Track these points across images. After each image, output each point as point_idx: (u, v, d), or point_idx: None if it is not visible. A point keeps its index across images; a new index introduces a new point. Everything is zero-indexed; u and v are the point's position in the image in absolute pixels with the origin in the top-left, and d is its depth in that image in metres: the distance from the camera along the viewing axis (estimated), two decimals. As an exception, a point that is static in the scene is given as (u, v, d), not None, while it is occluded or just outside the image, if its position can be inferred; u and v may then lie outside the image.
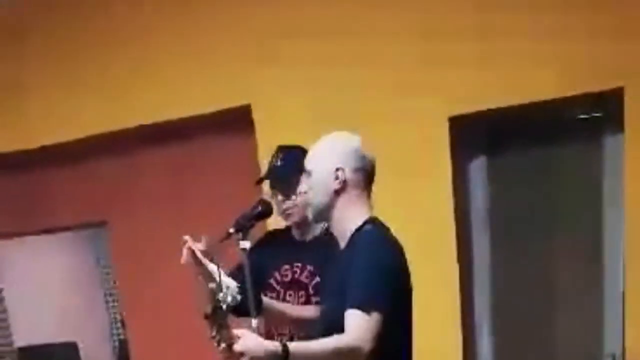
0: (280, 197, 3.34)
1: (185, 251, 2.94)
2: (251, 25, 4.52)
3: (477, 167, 4.31)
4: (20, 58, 5.19)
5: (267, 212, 3.00)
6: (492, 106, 3.94)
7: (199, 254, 2.90)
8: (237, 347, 2.24)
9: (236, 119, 4.60)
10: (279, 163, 3.38)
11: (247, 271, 2.76)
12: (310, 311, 3.14)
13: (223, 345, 2.24)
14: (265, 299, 3.24)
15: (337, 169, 2.65)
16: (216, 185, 4.88)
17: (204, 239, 2.94)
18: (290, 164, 3.30)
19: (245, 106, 4.53)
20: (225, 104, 4.61)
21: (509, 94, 3.89)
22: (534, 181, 4.27)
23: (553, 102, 3.83)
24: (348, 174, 2.65)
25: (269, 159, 3.47)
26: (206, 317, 2.22)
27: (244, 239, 2.82)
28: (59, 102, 5.11)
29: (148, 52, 4.83)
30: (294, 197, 3.27)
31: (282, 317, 3.27)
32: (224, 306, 2.23)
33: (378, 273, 2.49)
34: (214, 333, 2.22)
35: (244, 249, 2.81)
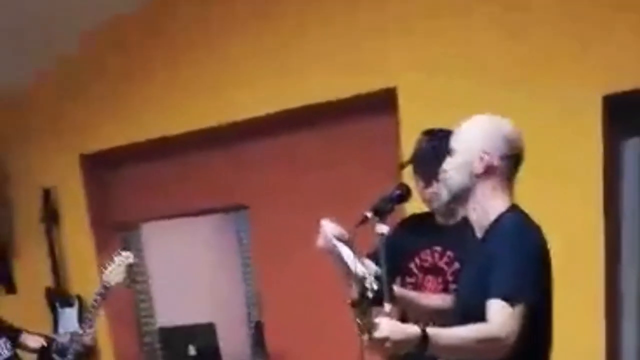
0: (421, 183, 3.34)
1: (321, 235, 2.96)
2: (395, 5, 4.51)
3: (632, 149, 4.17)
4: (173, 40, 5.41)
5: (406, 196, 2.98)
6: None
7: (333, 239, 2.91)
8: (378, 333, 2.23)
9: (380, 102, 4.61)
10: (423, 147, 3.36)
11: (382, 257, 2.76)
12: (443, 300, 3.11)
13: (366, 334, 2.24)
14: (397, 288, 3.18)
15: (484, 152, 2.61)
16: (358, 171, 4.90)
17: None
18: (433, 148, 3.26)
19: (390, 89, 4.53)
20: (370, 87, 4.62)
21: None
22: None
23: None
24: (495, 159, 2.61)
25: (415, 143, 3.45)
26: (353, 304, 2.22)
27: (381, 222, 2.81)
28: (208, 88, 5.27)
29: (295, 33, 4.89)
30: (435, 183, 3.21)
31: (415, 306, 3.21)
32: (370, 293, 2.24)
33: (525, 262, 2.45)
34: (359, 321, 2.22)
35: (381, 234, 2.80)
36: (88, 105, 5.80)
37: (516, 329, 2.36)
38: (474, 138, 2.66)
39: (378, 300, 2.71)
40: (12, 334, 4.75)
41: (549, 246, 2.58)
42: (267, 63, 5.01)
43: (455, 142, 2.71)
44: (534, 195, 3.83)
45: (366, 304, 2.23)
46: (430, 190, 3.29)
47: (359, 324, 2.23)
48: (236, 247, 6.44)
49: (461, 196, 2.69)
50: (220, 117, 5.23)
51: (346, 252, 2.88)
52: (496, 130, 2.65)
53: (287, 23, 4.91)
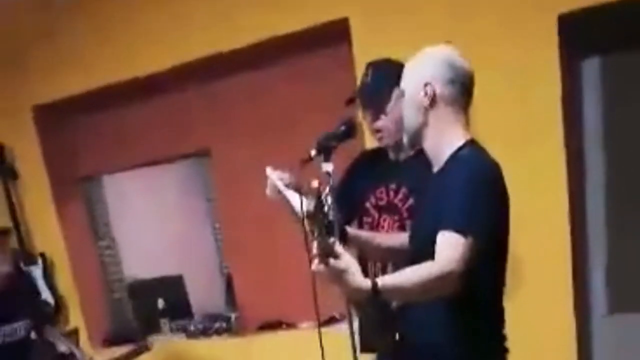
0: (369, 117, 3.32)
1: (268, 185, 2.98)
2: None
3: (590, 70, 4.13)
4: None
5: (350, 132, 2.93)
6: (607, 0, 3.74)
7: (280, 186, 2.93)
8: (335, 262, 2.20)
9: (334, 34, 4.56)
10: (368, 80, 3.33)
11: (330, 196, 2.68)
12: (398, 238, 3.10)
13: (321, 257, 2.20)
14: (351, 229, 3.18)
15: (426, 84, 2.58)
16: (319, 106, 4.81)
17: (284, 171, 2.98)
18: (379, 80, 3.26)
19: (342, 20, 4.48)
20: (323, 18, 4.56)
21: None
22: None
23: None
24: (439, 88, 2.59)
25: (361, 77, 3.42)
26: (308, 215, 2.22)
27: (326, 161, 2.79)
28: (161, 30, 5.19)
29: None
30: (383, 116, 3.24)
31: (370, 246, 3.21)
32: (325, 207, 2.19)
33: (475, 196, 2.45)
34: (316, 234, 2.19)
35: (327, 172, 2.77)
36: (39, 54, 5.69)
37: (463, 259, 2.36)
38: (416, 72, 2.65)
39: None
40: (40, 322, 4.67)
41: (506, 181, 2.57)
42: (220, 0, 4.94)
43: (402, 83, 2.70)
44: (495, 121, 3.86)
45: (322, 217, 2.17)
46: (378, 123, 3.26)
47: (316, 242, 2.19)
48: (202, 195, 6.40)
49: (418, 134, 2.67)
50: (175, 58, 5.16)
51: (294, 198, 2.87)
52: (436, 58, 2.63)
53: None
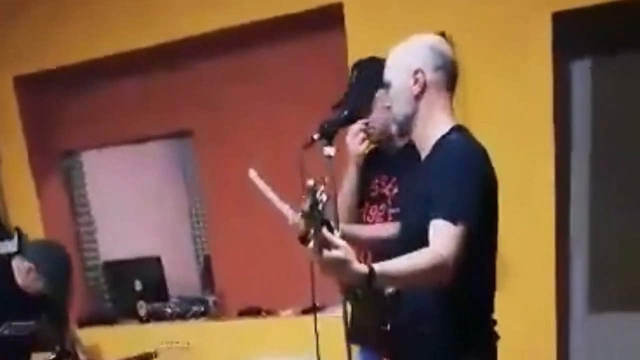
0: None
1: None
2: None
3: (581, 69, 4.23)
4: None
5: (352, 117, 3.10)
6: (600, 1, 3.87)
7: (261, 187, 3.10)
8: (336, 252, 2.20)
9: (327, 18, 4.66)
10: (352, 82, 3.42)
11: (330, 180, 2.83)
12: (383, 230, 3.22)
13: (312, 245, 2.21)
14: (344, 226, 3.20)
15: (416, 72, 2.65)
16: (305, 91, 4.96)
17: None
18: (358, 79, 3.37)
19: (336, 4, 4.58)
20: (316, 3, 4.66)
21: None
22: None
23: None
24: (428, 75, 2.65)
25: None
26: (303, 215, 2.22)
27: (328, 145, 2.95)
28: (147, 5, 5.28)
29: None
30: (369, 116, 3.30)
31: (359, 241, 3.25)
32: (320, 205, 2.22)
33: (466, 183, 2.51)
34: (312, 232, 2.21)
35: (328, 156, 2.95)
36: (23, 25, 5.72)
37: (458, 249, 2.43)
38: (403, 61, 2.69)
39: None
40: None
41: (494, 169, 2.65)
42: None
43: (387, 74, 2.76)
44: (485, 116, 4.01)
45: (317, 215, 2.21)
46: (368, 125, 3.33)
47: (310, 236, 2.23)
48: (182, 177, 6.44)
49: (408, 123, 2.73)
50: (161, 35, 5.23)
51: (281, 204, 3.12)
52: (421, 46, 2.68)
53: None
